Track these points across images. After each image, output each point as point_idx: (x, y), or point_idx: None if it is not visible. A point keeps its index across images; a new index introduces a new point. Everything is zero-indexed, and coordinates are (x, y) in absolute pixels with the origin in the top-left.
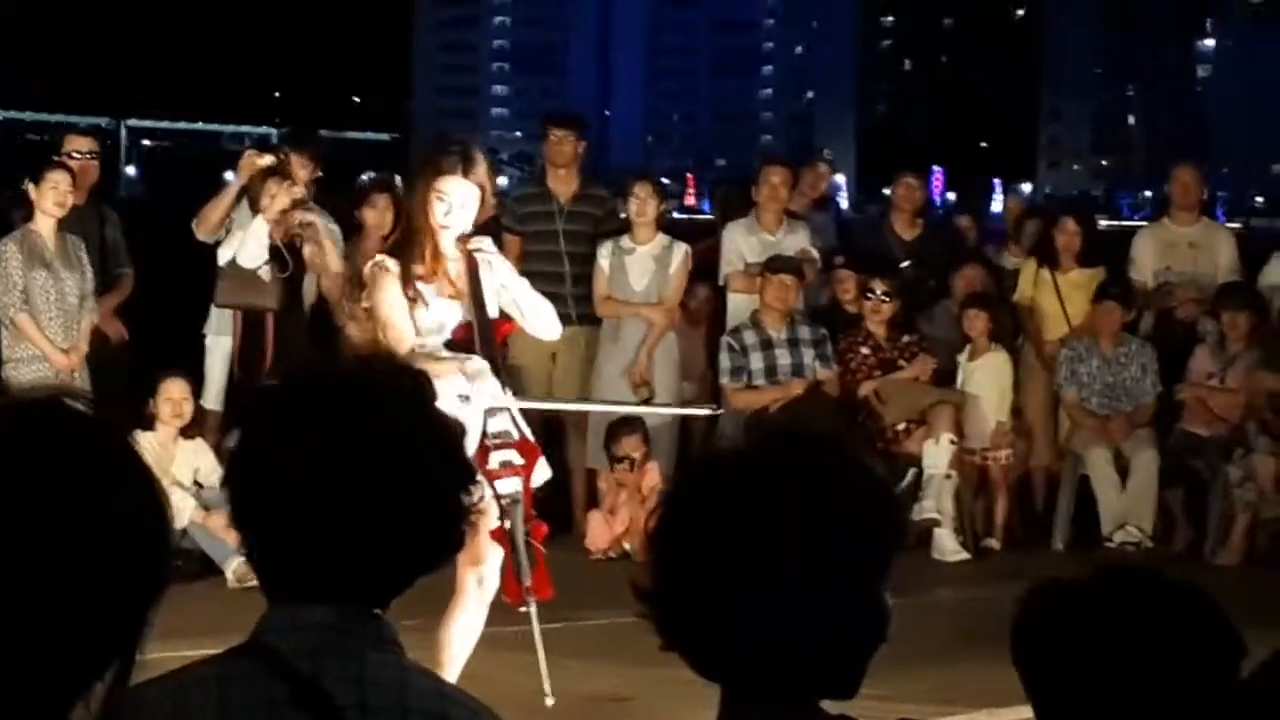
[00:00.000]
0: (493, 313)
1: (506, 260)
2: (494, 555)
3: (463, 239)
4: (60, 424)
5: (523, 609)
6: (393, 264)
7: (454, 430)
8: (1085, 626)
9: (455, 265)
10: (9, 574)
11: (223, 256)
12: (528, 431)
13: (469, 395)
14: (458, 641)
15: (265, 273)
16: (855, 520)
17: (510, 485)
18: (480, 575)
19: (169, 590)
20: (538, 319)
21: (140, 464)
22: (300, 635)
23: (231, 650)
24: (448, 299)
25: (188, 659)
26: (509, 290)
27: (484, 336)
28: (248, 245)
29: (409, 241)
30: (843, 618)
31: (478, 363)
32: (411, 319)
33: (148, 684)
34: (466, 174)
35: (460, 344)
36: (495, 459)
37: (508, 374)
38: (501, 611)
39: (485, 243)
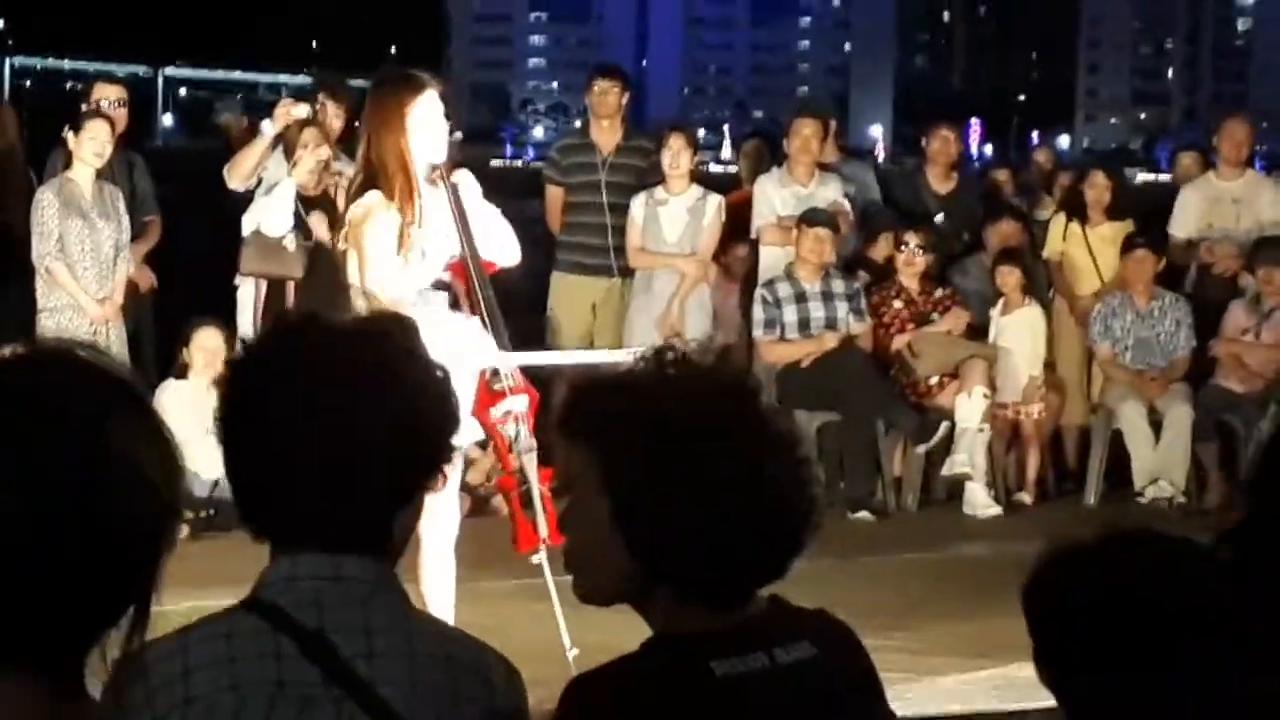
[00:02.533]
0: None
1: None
2: (448, 491)
3: (442, 169)
4: (63, 372)
5: (534, 558)
6: (387, 204)
7: (438, 373)
8: (1089, 591)
9: (431, 200)
10: (8, 520)
11: (247, 225)
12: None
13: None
14: (437, 588)
15: (290, 241)
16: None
17: (518, 431)
18: (435, 515)
19: (202, 540)
20: (507, 245)
21: (149, 410)
22: (302, 587)
23: (234, 606)
24: (439, 235)
25: (219, 608)
26: (479, 218)
27: (479, 273)
28: (273, 213)
29: (374, 182)
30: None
31: (470, 331)
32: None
33: (152, 643)
34: (431, 89)
35: (460, 280)
36: (500, 408)
37: (498, 321)
38: (514, 563)
39: (463, 173)
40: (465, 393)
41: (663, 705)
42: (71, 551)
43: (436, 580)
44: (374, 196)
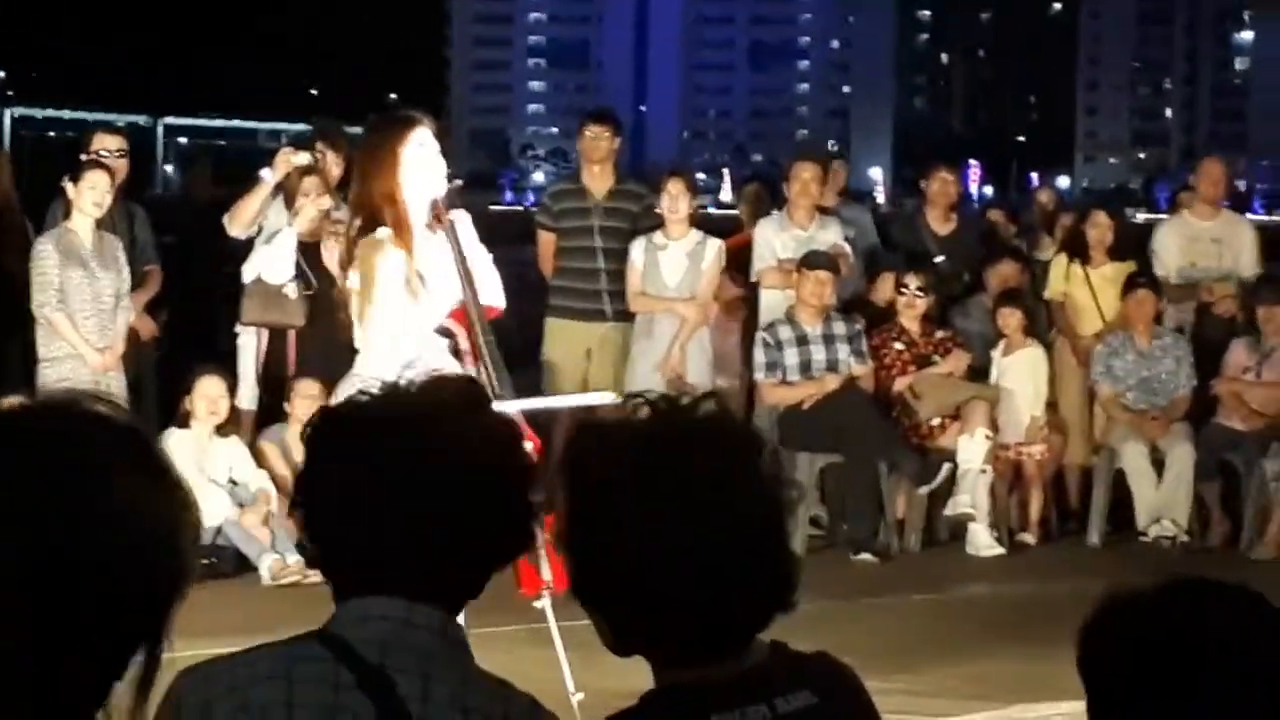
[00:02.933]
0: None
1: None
2: None
3: (441, 210)
4: (71, 422)
5: (537, 603)
6: (393, 246)
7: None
8: (1147, 639)
9: (431, 242)
10: (14, 574)
11: (248, 274)
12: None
13: None
14: None
15: (291, 290)
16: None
17: None
18: None
19: (204, 588)
20: (494, 291)
21: (158, 459)
22: (370, 626)
23: (300, 635)
24: (439, 278)
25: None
26: (471, 262)
27: (480, 317)
28: (274, 261)
29: (371, 223)
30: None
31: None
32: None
33: (215, 660)
34: (424, 127)
35: (447, 331)
36: None
37: (499, 366)
38: (517, 610)
39: (461, 214)
40: None
41: None
42: (78, 603)
43: None
44: (385, 232)
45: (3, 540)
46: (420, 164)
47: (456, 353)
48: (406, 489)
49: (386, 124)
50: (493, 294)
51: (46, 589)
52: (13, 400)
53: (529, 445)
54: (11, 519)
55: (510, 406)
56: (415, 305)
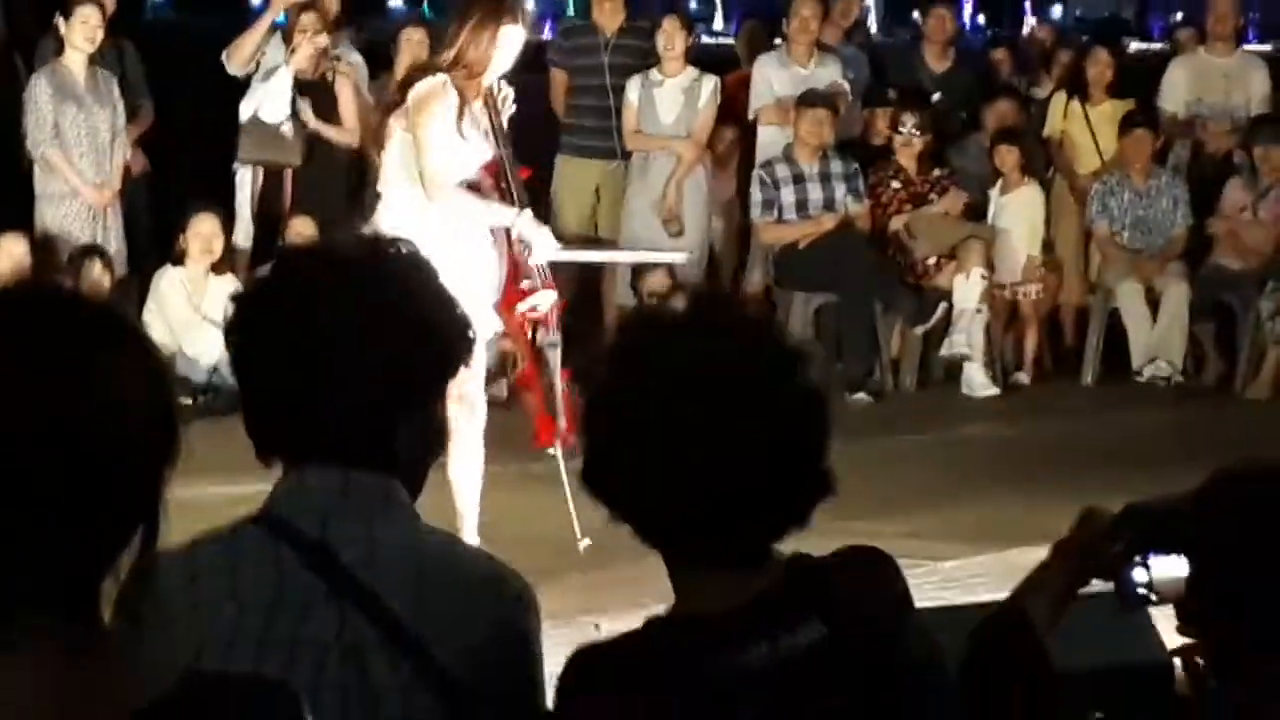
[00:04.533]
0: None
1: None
2: (475, 381)
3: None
4: (47, 306)
5: (550, 451)
6: (451, 91)
7: (444, 284)
8: (1262, 508)
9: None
10: (9, 456)
11: (244, 112)
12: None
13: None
14: (467, 478)
15: (288, 128)
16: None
17: (545, 329)
18: (469, 405)
19: (201, 425)
20: None
21: (134, 332)
22: (308, 499)
23: (241, 519)
24: (481, 135)
25: (222, 494)
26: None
27: (514, 173)
28: (270, 99)
29: (454, 71)
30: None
31: (528, 214)
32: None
33: (162, 552)
34: (522, 23)
35: (490, 179)
36: (525, 304)
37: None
38: (527, 452)
39: (508, 90)
40: (490, 279)
41: (649, 700)
42: (72, 480)
43: (465, 468)
44: (445, 81)
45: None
46: (506, 52)
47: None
48: (335, 348)
49: (496, 2)
50: None
51: (41, 468)
52: None
53: (550, 295)
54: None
55: (564, 256)
56: (458, 152)
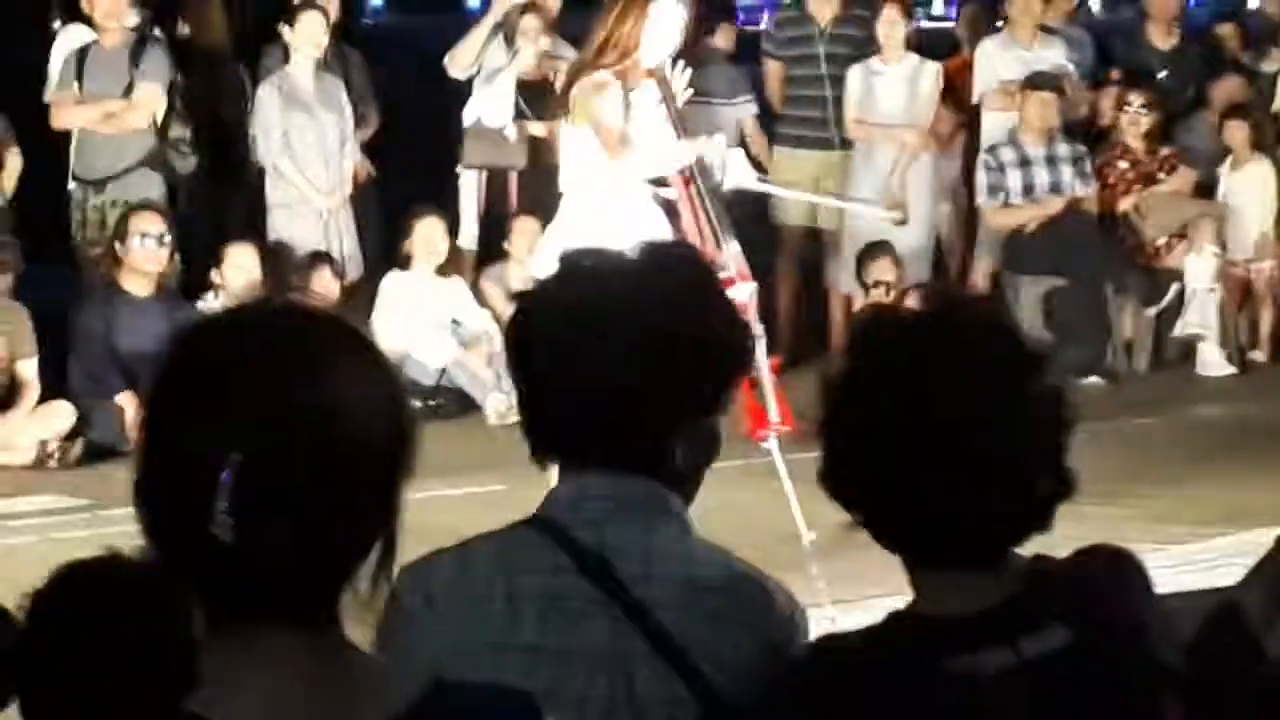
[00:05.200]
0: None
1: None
2: None
3: (658, 73)
4: (288, 320)
5: (764, 444)
6: (612, 82)
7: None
8: None
9: (646, 93)
10: (247, 469)
11: (468, 117)
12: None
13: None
14: None
15: (511, 131)
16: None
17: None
18: None
19: (430, 428)
20: None
21: (364, 342)
22: (584, 506)
23: (516, 522)
24: (657, 122)
25: (450, 496)
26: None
27: (699, 168)
28: (494, 104)
29: (605, 57)
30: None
31: (712, 141)
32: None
33: (436, 552)
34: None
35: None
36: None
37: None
38: (744, 445)
39: (679, 72)
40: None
41: (886, 702)
42: (307, 492)
43: None
44: (603, 75)
45: (233, 436)
46: (659, 28)
47: (669, 206)
48: (618, 357)
49: None
50: None
51: (283, 479)
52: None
53: (748, 287)
54: (239, 418)
55: (776, 190)
56: (630, 145)
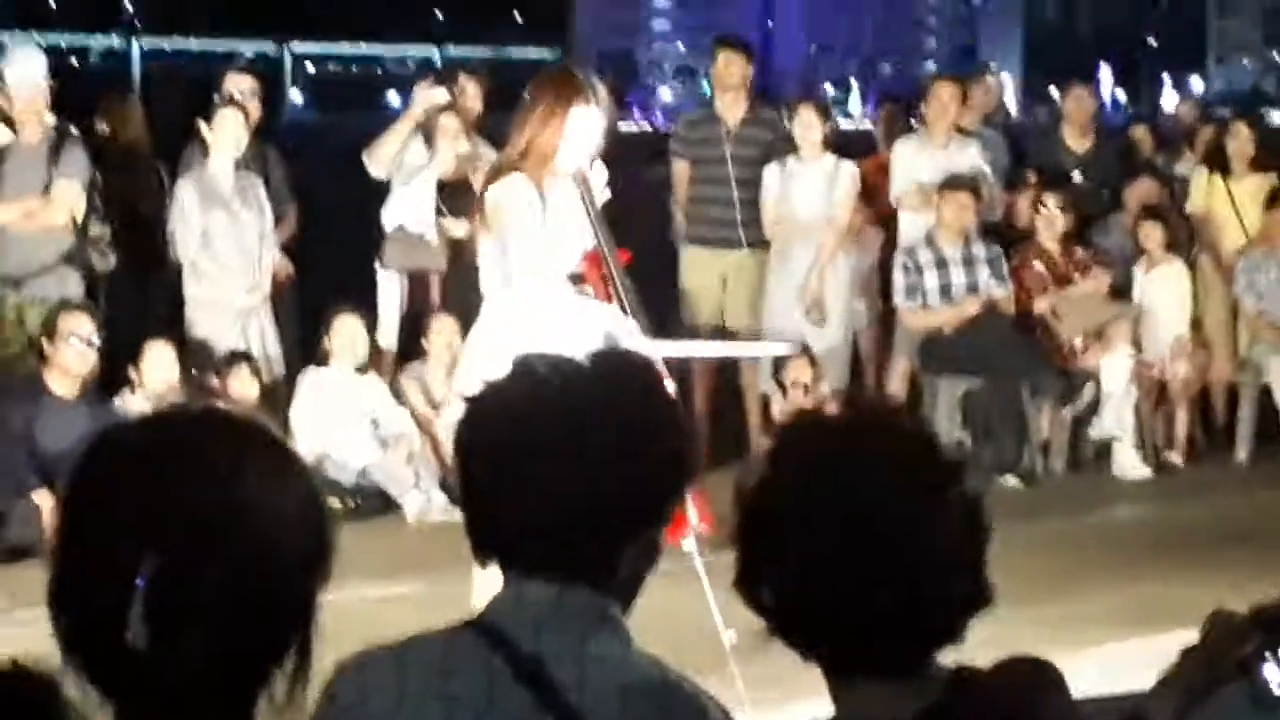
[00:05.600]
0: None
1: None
2: None
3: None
4: (201, 426)
5: (684, 545)
6: (525, 185)
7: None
8: None
9: (563, 190)
10: (162, 576)
11: (388, 219)
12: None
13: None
14: None
15: (432, 235)
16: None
17: None
18: None
19: (350, 528)
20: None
21: (282, 446)
22: (524, 611)
23: (456, 625)
24: (572, 224)
25: (369, 598)
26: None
27: (614, 261)
28: (414, 206)
29: (517, 166)
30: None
31: (609, 317)
32: (544, 240)
33: (374, 650)
34: (594, 105)
35: (590, 270)
36: None
37: (636, 311)
38: (667, 548)
39: (597, 165)
40: None
41: None
42: (223, 599)
43: None
44: (517, 178)
45: (149, 543)
46: (579, 138)
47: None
48: (561, 467)
49: (560, 85)
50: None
51: (197, 580)
52: (143, 410)
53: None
54: (155, 524)
55: (657, 349)
56: (545, 246)
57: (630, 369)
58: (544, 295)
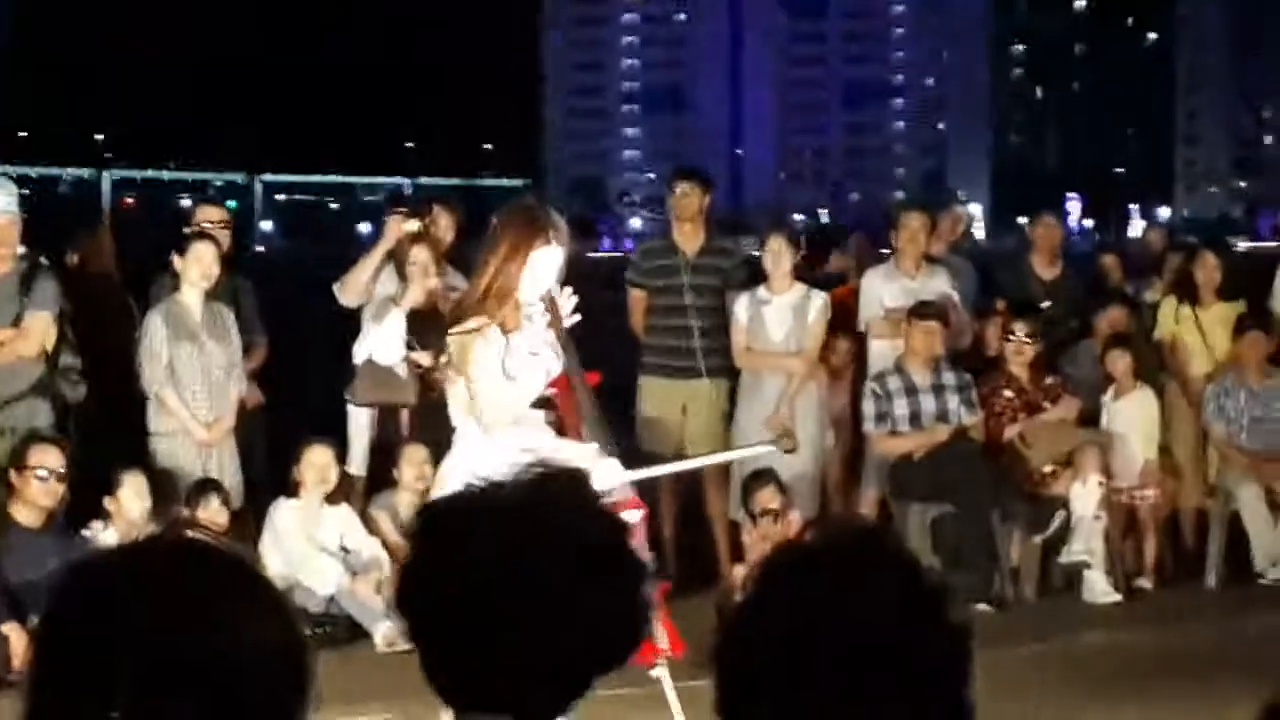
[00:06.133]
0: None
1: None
2: None
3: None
4: (180, 559)
5: (653, 672)
6: (488, 331)
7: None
8: None
9: (535, 320)
10: (139, 710)
11: (358, 354)
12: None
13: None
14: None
15: (401, 368)
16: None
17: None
18: None
19: (319, 656)
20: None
21: (262, 584)
22: None
23: None
24: (538, 354)
25: None
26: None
27: (584, 388)
28: (384, 342)
29: (482, 306)
30: None
31: (590, 447)
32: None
33: None
34: (555, 243)
35: (546, 400)
36: None
37: (606, 436)
38: (632, 674)
39: (565, 291)
40: None
41: None
42: None
43: None
44: (480, 323)
45: (125, 677)
46: (542, 275)
47: (558, 425)
48: (508, 599)
49: (526, 223)
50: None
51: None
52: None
53: (636, 514)
54: (132, 658)
55: (630, 477)
56: (512, 388)
57: (576, 499)
58: (513, 437)
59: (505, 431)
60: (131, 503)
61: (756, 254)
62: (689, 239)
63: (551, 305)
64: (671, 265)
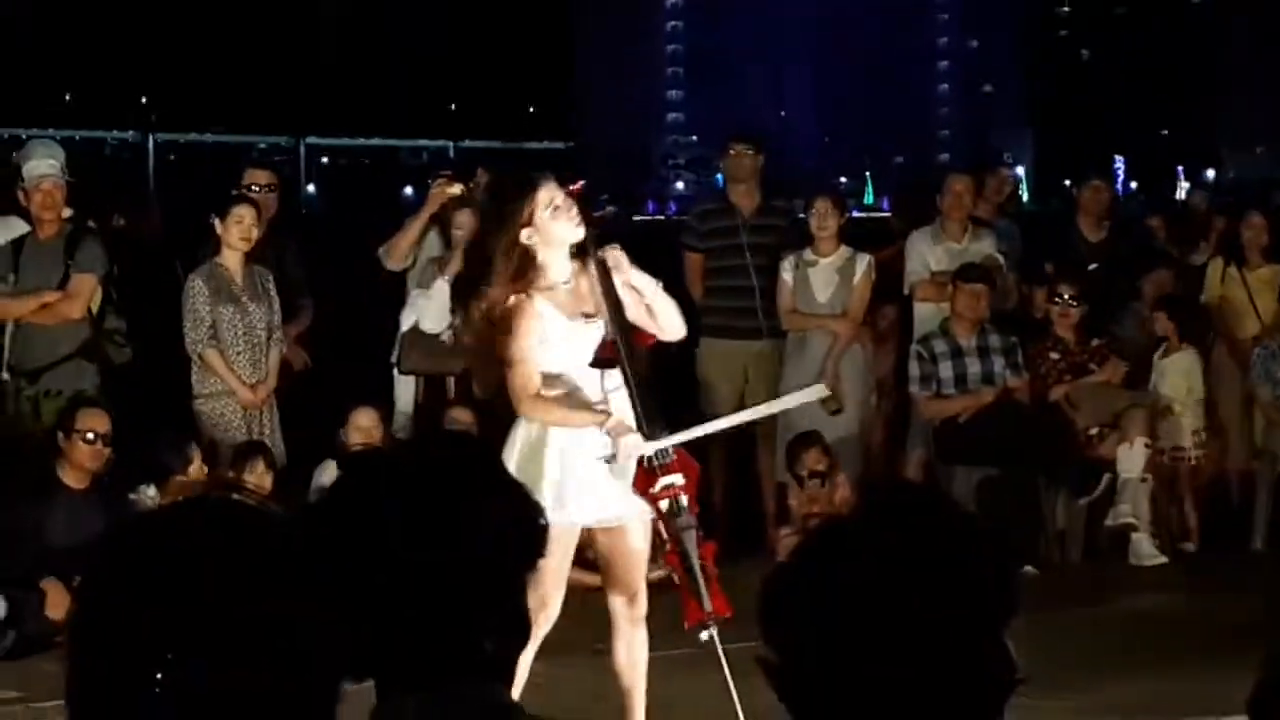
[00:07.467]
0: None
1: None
2: (639, 572)
3: (588, 250)
4: (219, 523)
5: (702, 635)
6: (542, 304)
7: (515, 493)
8: None
9: (573, 281)
10: (183, 675)
11: (405, 322)
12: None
13: (613, 456)
14: (630, 667)
15: (448, 336)
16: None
17: (678, 508)
18: (630, 594)
19: None
20: (668, 321)
21: (300, 554)
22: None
23: None
24: (583, 321)
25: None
26: (640, 292)
27: (628, 351)
28: (430, 310)
29: (509, 271)
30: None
31: (615, 419)
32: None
33: None
34: (547, 190)
35: (606, 360)
36: (659, 485)
37: (649, 401)
38: (686, 633)
39: (614, 249)
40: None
41: None
42: (245, 699)
43: (629, 651)
44: (514, 301)
45: (169, 641)
46: (555, 224)
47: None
48: (402, 563)
49: (509, 192)
50: (666, 325)
51: (213, 686)
52: (165, 501)
53: (677, 476)
54: (175, 622)
55: (660, 444)
56: (553, 354)
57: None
58: (533, 415)
59: (525, 405)
60: (189, 466)
61: (802, 216)
62: (745, 199)
63: (602, 269)
64: (730, 226)
